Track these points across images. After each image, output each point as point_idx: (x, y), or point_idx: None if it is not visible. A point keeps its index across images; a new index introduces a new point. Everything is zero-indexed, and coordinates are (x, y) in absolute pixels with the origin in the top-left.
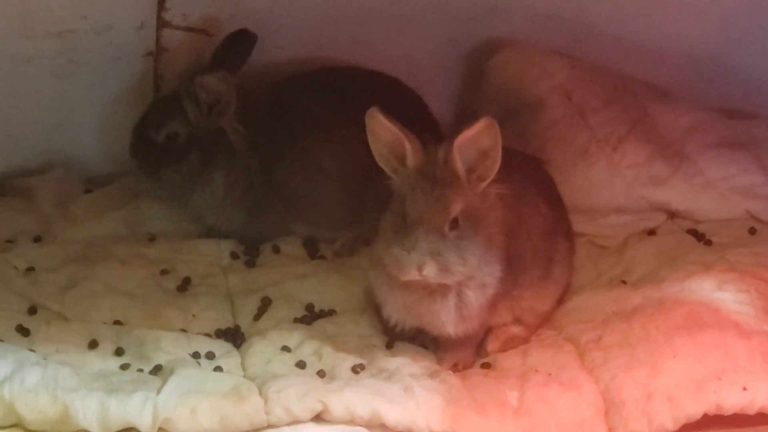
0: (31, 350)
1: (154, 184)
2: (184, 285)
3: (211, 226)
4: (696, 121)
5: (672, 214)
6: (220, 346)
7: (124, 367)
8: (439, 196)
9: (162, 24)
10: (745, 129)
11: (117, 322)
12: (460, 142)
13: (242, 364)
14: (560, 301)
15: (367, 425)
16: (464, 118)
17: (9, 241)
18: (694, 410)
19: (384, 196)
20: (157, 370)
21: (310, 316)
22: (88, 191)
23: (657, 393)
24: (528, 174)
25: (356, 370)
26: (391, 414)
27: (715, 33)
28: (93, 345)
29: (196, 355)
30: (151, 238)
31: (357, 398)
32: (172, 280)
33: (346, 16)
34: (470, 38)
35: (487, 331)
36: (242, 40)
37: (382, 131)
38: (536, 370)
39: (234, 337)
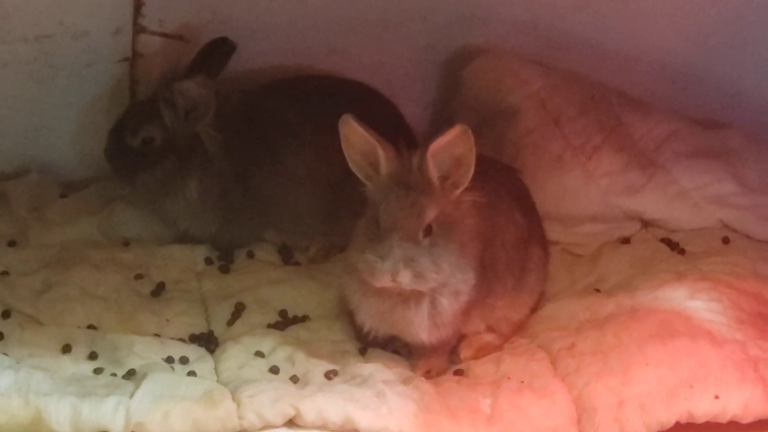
0: (5, 354)
1: (129, 189)
2: (158, 290)
3: (185, 232)
4: (671, 131)
5: (646, 223)
6: (193, 351)
7: (98, 371)
8: (412, 203)
9: (138, 29)
10: (720, 139)
11: (91, 327)
12: (434, 149)
13: (216, 369)
14: (534, 309)
15: (339, 430)
16: (440, 125)
17: None
18: (665, 418)
19: (358, 203)
20: (130, 374)
21: (284, 322)
22: (63, 196)
23: (629, 400)
24: (502, 182)
25: (329, 375)
26: (364, 419)
27: (691, 43)
28: (66, 349)
29: (169, 360)
30: (126, 243)
31: (329, 404)
32: (147, 284)
33: (322, 24)
34: (447, 46)
35: (461, 338)
36: (221, 48)
37: (356, 138)
38: (509, 378)
39: (207, 342)
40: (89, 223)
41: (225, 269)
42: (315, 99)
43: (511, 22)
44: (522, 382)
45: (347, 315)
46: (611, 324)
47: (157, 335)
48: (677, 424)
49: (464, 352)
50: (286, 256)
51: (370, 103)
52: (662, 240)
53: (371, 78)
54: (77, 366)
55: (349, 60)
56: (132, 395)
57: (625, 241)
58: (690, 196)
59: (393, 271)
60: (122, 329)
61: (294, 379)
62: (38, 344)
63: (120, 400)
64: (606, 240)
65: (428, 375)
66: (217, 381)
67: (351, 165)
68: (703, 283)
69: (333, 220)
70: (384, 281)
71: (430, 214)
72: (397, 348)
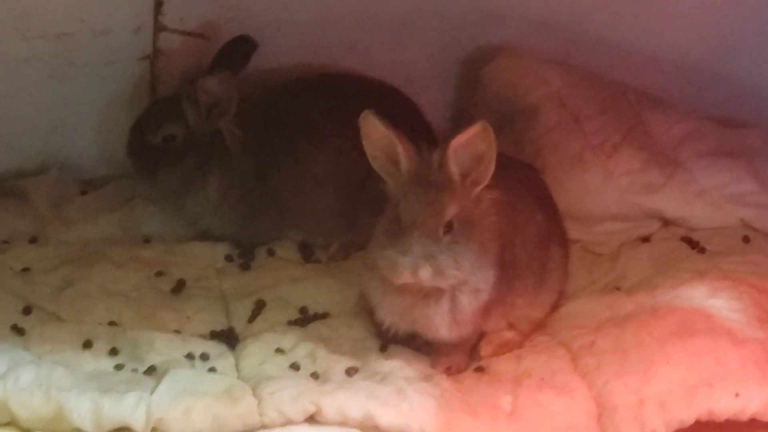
0: (26, 350)
1: (149, 186)
2: (179, 287)
3: (206, 230)
4: (690, 130)
5: (666, 222)
6: (214, 348)
7: (119, 367)
8: (433, 200)
9: (159, 27)
10: (739, 138)
11: (111, 323)
12: (455, 146)
13: (236, 365)
14: (554, 307)
15: (360, 427)
16: (459, 124)
17: (4, 242)
18: (686, 416)
19: (378, 201)
20: (151, 370)
21: (304, 319)
22: (83, 193)
23: (649, 399)
24: (523, 181)
25: (350, 372)
26: (385, 416)
27: (710, 42)
28: (87, 345)
29: (190, 356)
30: (146, 240)
31: (350, 400)
32: (167, 282)
33: (343, 23)
34: (466, 45)
35: (481, 335)
36: (243, 46)
37: (376, 135)
38: (529, 375)
39: (228, 338)
40: (110, 220)
41: (245, 267)
42: (335, 97)
43: (529, 21)
44: (542, 379)
45: (368, 312)
46: (631, 322)
47: (177, 332)
48: (697, 422)
49: (485, 349)
50: (307, 254)
51: (391, 101)
52: (682, 239)
53: (391, 76)
54: (98, 362)
55: (368, 59)
56: (153, 391)
57: (646, 239)
58: (710, 194)
59: (413, 268)
60: (143, 326)
61: (315, 376)
62: (59, 340)
63: (141, 396)
64: (626, 238)
65: (449, 372)
66: (238, 377)
67: (372, 161)
68: (724, 281)
69: (353, 219)
70: (404, 277)
71: (451, 211)
72: (417, 345)
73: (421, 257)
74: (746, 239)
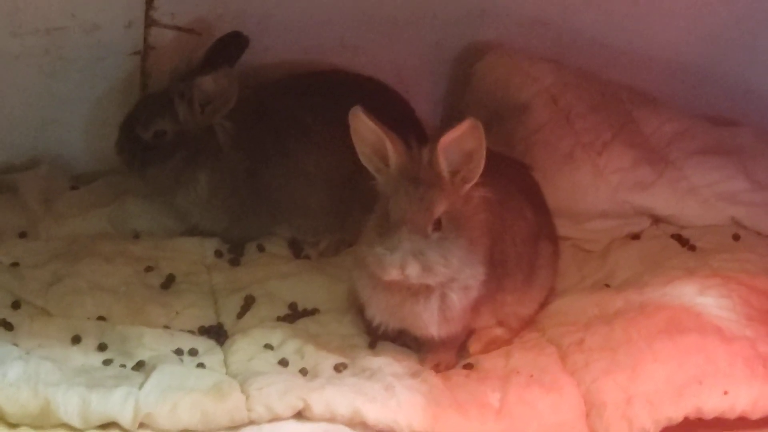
0: (14, 345)
1: (139, 182)
2: (168, 282)
3: (195, 225)
4: (681, 128)
5: (656, 220)
6: (203, 343)
7: (107, 362)
8: (422, 197)
9: (150, 23)
10: (730, 136)
11: (100, 318)
12: (445, 143)
13: (225, 361)
14: (543, 304)
15: (348, 423)
16: (450, 121)
17: None
18: (674, 414)
19: (368, 198)
20: (139, 366)
21: (294, 315)
22: (73, 188)
23: (637, 396)
24: (513, 178)
25: (338, 368)
26: (372, 412)
27: (702, 40)
28: (76, 340)
29: (178, 352)
30: (136, 236)
31: (338, 396)
32: (156, 277)
33: (334, 20)
34: (457, 42)
35: (470, 332)
36: (234, 43)
37: (365, 131)
38: (518, 372)
39: (217, 334)
40: (100, 215)
41: (235, 262)
42: (326, 94)
43: (521, 19)
44: (531, 376)
45: (357, 308)
46: (620, 320)
47: (166, 327)
48: (686, 420)
49: (473, 346)
50: (297, 250)
51: (382, 98)
52: (672, 236)
53: (382, 74)
54: (86, 357)
55: (360, 56)
56: (141, 387)
57: (635, 237)
58: (700, 192)
59: (402, 264)
60: (132, 321)
61: (303, 372)
62: (48, 335)
63: (129, 392)
64: (616, 236)
65: (437, 369)
66: (226, 373)
67: (361, 158)
68: (714, 279)
69: (343, 216)
70: (392, 275)
71: (440, 208)
72: (406, 341)
73: (409, 254)
74: (736, 237)
